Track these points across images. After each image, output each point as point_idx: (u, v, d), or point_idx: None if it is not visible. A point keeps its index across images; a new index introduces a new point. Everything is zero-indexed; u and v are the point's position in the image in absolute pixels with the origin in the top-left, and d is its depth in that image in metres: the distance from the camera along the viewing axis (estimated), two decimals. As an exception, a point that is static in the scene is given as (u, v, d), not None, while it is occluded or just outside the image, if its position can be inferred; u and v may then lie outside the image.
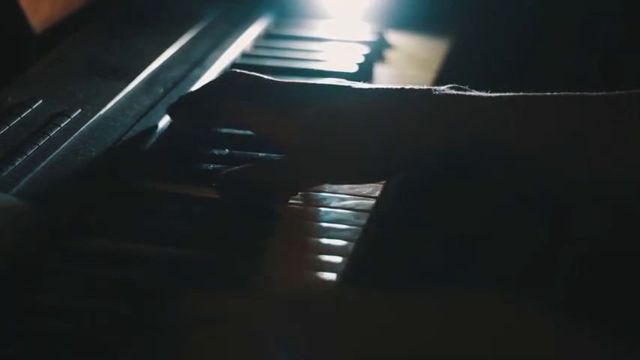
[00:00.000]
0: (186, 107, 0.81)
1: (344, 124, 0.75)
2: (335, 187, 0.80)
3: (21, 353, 0.59)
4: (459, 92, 0.75)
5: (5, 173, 0.74)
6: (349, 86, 0.78)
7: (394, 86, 0.77)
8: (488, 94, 0.75)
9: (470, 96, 0.75)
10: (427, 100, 0.75)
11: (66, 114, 0.83)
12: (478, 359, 0.47)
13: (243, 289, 0.66)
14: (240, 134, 0.86)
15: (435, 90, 0.75)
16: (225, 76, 0.82)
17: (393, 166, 0.76)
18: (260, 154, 0.83)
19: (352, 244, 0.73)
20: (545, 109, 0.74)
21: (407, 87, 0.77)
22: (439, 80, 1.04)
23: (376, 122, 0.75)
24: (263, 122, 0.77)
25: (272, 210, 0.76)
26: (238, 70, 0.82)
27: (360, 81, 0.99)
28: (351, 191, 0.79)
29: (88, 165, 0.77)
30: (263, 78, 0.80)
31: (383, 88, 0.77)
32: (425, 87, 0.77)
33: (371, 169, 0.76)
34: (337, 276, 0.70)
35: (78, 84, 0.89)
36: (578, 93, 0.74)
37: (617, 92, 0.74)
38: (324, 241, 0.73)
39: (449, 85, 0.76)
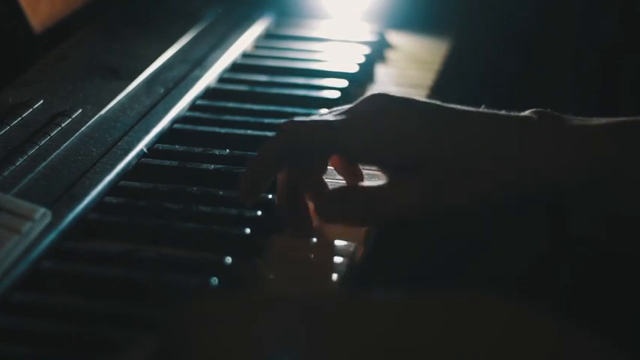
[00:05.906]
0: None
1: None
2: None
3: (21, 353, 0.59)
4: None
5: (6, 173, 0.74)
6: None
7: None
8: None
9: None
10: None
11: (66, 114, 0.83)
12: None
13: (243, 289, 0.66)
14: (240, 134, 0.86)
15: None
16: (370, 100, 0.74)
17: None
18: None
19: (352, 244, 0.73)
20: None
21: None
22: (439, 80, 1.04)
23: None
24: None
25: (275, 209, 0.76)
26: (383, 94, 0.74)
27: (360, 81, 0.99)
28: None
29: (88, 165, 0.77)
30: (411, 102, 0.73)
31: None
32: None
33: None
34: (337, 276, 0.70)
35: (78, 84, 0.90)
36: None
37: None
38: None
39: (533, 110, 0.72)
